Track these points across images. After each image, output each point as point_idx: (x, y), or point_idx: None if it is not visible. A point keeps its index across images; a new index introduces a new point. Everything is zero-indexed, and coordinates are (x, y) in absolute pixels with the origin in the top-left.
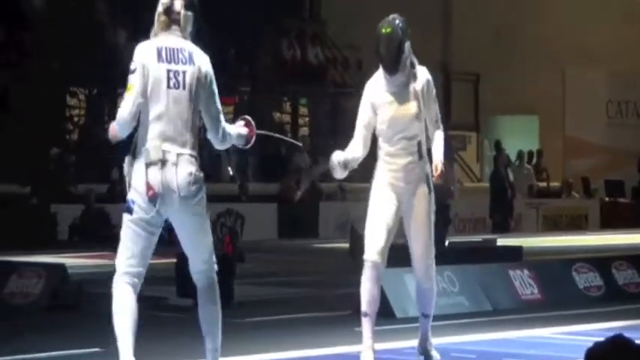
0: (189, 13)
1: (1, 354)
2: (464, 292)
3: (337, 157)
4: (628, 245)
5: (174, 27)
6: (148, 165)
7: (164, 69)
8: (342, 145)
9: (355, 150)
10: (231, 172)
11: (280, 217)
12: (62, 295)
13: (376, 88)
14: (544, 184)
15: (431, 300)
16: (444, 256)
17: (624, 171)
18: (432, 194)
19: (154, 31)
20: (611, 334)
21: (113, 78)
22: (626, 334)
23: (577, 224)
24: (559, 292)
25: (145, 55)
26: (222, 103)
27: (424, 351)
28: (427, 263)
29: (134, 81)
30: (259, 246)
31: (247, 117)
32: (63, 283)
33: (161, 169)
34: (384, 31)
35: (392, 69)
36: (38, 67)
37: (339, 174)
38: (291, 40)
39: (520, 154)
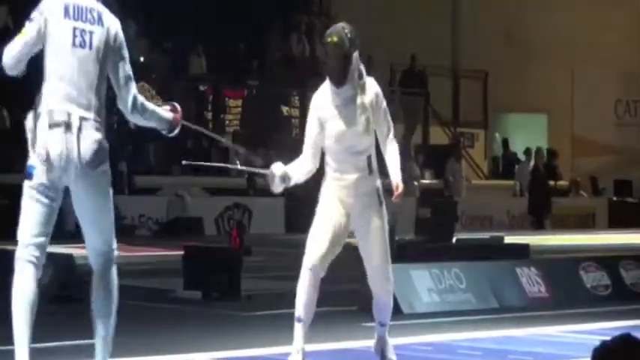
0: None
1: (7, 343)
2: (471, 289)
3: (277, 169)
4: (636, 245)
5: None
6: (51, 126)
7: (70, 26)
8: None
9: (301, 165)
10: (239, 166)
11: (287, 211)
12: (70, 285)
13: (323, 101)
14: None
15: (389, 310)
16: (451, 252)
17: (633, 170)
18: (384, 206)
19: None
20: (619, 332)
21: None
22: (634, 333)
23: (585, 223)
24: (566, 290)
25: (50, 7)
26: (231, 97)
27: (381, 353)
28: (385, 277)
29: (28, 28)
30: (266, 240)
31: (174, 103)
32: (71, 274)
33: (64, 132)
34: (330, 40)
35: (338, 81)
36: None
37: (277, 187)
38: (300, 34)
39: (527, 152)
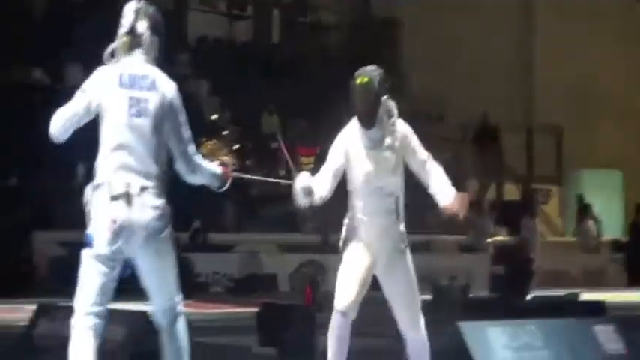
0: (155, 37)
1: None
2: (547, 347)
3: (301, 182)
4: None
5: (138, 50)
6: (111, 198)
7: (125, 96)
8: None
9: (321, 187)
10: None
11: None
12: (145, 343)
13: (352, 139)
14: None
15: (426, 357)
16: (527, 309)
17: None
18: (408, 250)
19: (115, 52)
20: None
21: (195, 128)
22: None
23: None
24: None
25: (104, 78)
26: (304, 155)
27: None
28: (415, 322)
29: (79, 99)
30: None
31: (225, 158)
32: (145, 331)
33: (124, 203)
34: (359, 81)
35: (368, 123)
36: None
37: (302, 200)
38: None
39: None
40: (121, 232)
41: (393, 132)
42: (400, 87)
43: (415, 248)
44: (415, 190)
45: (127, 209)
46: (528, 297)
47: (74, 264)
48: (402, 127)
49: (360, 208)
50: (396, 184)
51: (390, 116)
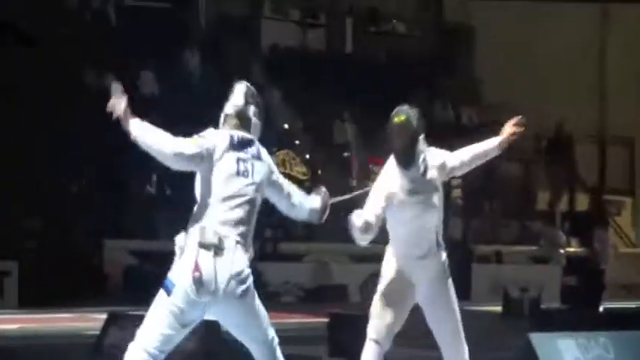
0: (259, 123)
1: None
2: (618, 359)
3: (359, 218)
4: None
5: (244, 130)
6: (201, 246)
7: (235, 156)
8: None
9: (376, 223)
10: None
11: None
12: (216, 355)
13: (392, 182)
14: None
15: None
16: (599, 321)
17: None
18: (450, 279)
19: (220, 126)
20: None
21: (268, 137)
22: None
23: None
24: None
25: (219, 138)
26: (376, 164)
27: None
28: (459, 351)
29: (199, 142)
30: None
31: (321, 187)
32: (216, 342)
33: (214, 256)
34: (397, 120)
35: (406, 162)
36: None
37: (361, 237)
38: (444, 100)
39: None
40: (203, 284)
41: (431, 167)
42: (473, 95)
43: (487, 260)
44: (486, 204)
45: (215, 260)
46: (600, 309)
47: (144, 273)
48: (436, 159)
49: (399, 246)
50: (437, 217)
51: (426, 155)
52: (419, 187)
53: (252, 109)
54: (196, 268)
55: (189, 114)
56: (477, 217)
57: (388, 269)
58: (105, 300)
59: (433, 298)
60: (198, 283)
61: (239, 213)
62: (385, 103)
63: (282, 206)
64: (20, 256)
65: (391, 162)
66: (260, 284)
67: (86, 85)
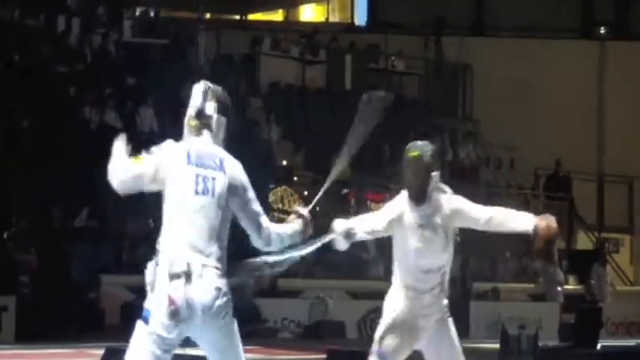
0: (223, 118)
1: None
2: None
3: (339, 226)
4: None
5: (206, 131)
6: (172, 277)
7: (192, 173)
8: (491, 247)
9: (371, 224)
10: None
11: None
12: None
13: (403, 212)
14: None
15: None
16: (596, 359)
17: None
18: (450, 320)
19: (184, 135)
20: None
21: (266, 174)
22: None
23: None
24: None
25: (172, 152)
26: (373, 200)
27: None
28: None
29: (147, 161)
30: None
31: (298, 209)
32: None
33: (185, 282)
34: (411, 155)
35: (418, 198)
36: None
37: (342, 244)
38: (443, 138)
39: None
40: (179, 313)
41: (442, 208)
42: (472, 133)
43: (485, 296)
44: (484, 240)
45: (186, 288)
46: (598, 347)
47: (142, 308)
48: (451, 203)
49: (405, 282)
50: (445, 260)
51: (439, 193)
52: (427, 224)
53: (212, 106)
54: (171, 301)
55: None
56: (475, 254)
57: (393, 303)
58: (102, 335)
59: (436, 342)
60: (175, 313)
61: (205, 233)
62: (384, 141)
63: (246, 225)
64: (17, 290)
65: (403, 195)
66: (258, 320)
67: (85, 120)
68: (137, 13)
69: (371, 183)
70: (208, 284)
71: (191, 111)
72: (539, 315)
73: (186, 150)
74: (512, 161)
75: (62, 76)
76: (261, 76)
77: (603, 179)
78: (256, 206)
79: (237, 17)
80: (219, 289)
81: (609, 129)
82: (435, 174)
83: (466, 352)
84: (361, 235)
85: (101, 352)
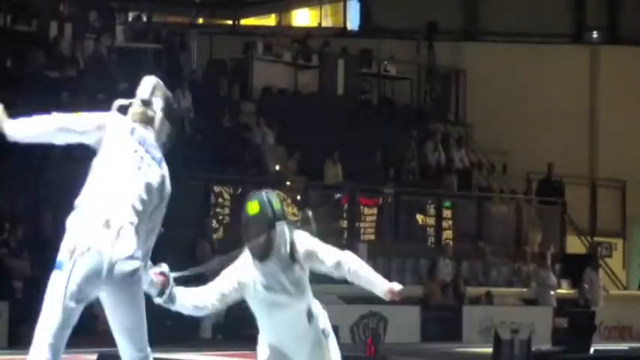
0: (166, 124)
1: None
2: None
3: (157, 271)
4: None
5: (149, 127)
6: (89, 224)
7: (132, 146)
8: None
9: (201, 293)
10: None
11: (423, 320)
12: None
13: (246, 269)
14: None
15: None
16: None
17: None
18: (330, 338)
19: (128, 113)
20: None
21: (258, 178)
22: None
23: None
24: None
25: (118, 121)
26: (367, 205)
27: None
28: None
29: (88, 116)
30: (402, 349)
31: (163, 268)
32: None
33: (103, 231)
34: (249, 211)
35: (260, 258)
36: (184, 166)
37: (154, 293)
38: (436, 143)
39: None
40: (90, 256)
41: (294, 259)
42: (464, 138)
43: (477, 301)
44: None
45: (103, 239)
46: (591, 351)
47: None
48: (301, 247)
49: (267, 333)
50: (302, 299)
51: (292, 244)
52: (275, 279)
53: (158, 102)
54: (81, 246)
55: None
56: (467, 259)
57: (265, 343)
58: (95, 340)
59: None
60: (76, 254)
61: (131, 200)
62: (376, 145)
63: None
64: (11, 296)
65: (248, 252)
66: (250, 326)
67: None
68: (129, 19)
69: (363, 188)
70: (125, 242)
71: (138, 96)
72: (532, 319)
73: (132, 127)
74: (504, 166)
75: (54, 81)
76: (254, 81)
77: (596, 184)
78: (158, 221)
79: (230, 22)
80: (134, 249)
81: (602, 133)
82: (282, 224)
83: (459, 356)
84: (180, 304)
85: (94, 357)
